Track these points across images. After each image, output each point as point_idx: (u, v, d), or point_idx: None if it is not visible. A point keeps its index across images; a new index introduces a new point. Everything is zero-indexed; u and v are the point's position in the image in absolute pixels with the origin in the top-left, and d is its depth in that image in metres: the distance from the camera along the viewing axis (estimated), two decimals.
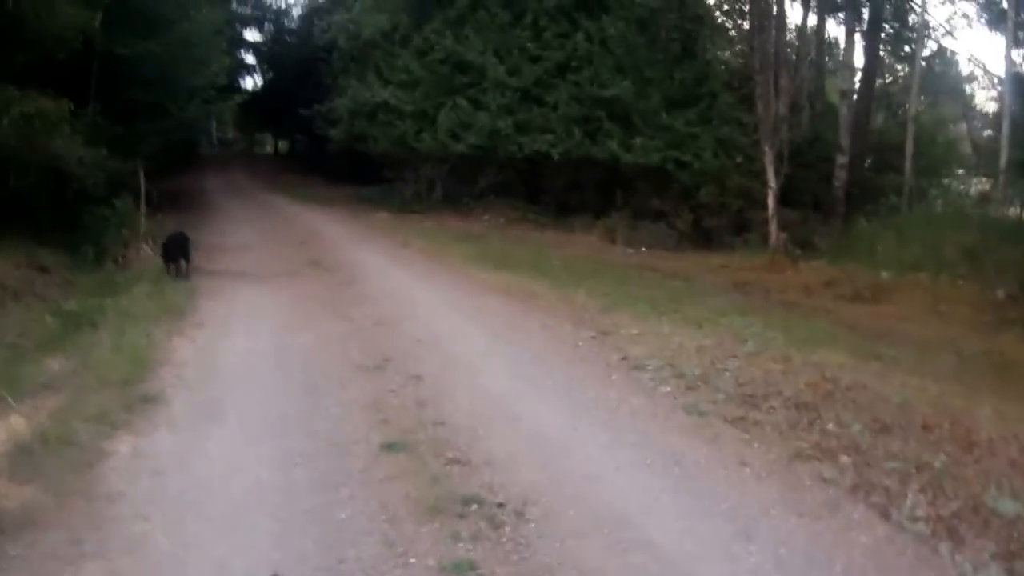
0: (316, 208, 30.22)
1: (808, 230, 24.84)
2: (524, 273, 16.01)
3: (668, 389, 8.42)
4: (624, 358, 9.66)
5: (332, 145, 33.42)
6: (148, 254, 17.41)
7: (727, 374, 8.89)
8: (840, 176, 27.08)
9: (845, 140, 27.29)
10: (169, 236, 16.33)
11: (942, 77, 42.09)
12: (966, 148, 38.90)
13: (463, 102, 27.50)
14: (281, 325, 11.60)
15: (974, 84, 40.64)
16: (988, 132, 40.52)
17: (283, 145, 64.40)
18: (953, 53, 37.34)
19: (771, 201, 21.21)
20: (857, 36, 31.57)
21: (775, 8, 28.16)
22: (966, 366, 10.54)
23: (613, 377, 8.99)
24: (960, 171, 35.62)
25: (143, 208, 19.13)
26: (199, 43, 26.11)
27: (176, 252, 15.69)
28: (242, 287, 14.80)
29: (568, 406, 7.91)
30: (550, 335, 11.05)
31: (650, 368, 9.16)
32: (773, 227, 21.05)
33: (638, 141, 25.89)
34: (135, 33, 21.45)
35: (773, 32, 27.38)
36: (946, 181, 33.19)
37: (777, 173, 21.34)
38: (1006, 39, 27.39)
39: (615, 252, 22.53)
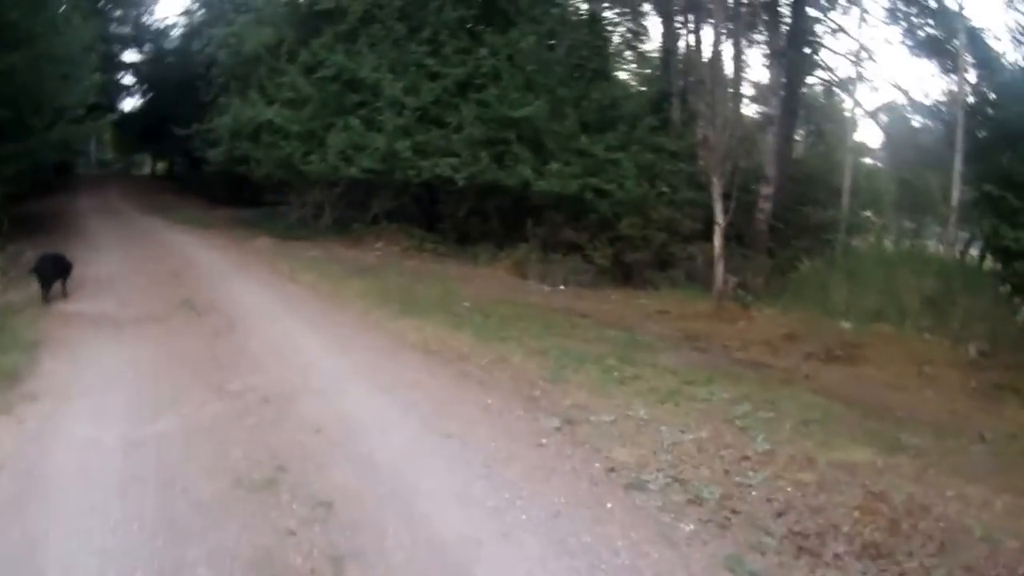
0: (193, 232, 27.65)
1: (735, 268, 22.86)
2: (437, 319, 13.77)
3: (691, 527, 6.18)
4: (612, 469, 7.31)
5: (211, 167, 30.85)
6: None
7: (753, 493, 6.86)
8: (764, 208, 25.77)
9: (771, 169, 25.74)
10: (41, 256, 15.54)
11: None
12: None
13: (355, 122, 25.18)
14: (138, 401, 9.14)
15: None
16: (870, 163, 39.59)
17: (162, 166, 62.72)
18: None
19: (718, 239, 19.09)
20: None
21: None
22: (1002, 459, 8.56)
23: (608, 505, 6.58)
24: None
25: None
26: (67, 59, 24.78)
27: (50, 273, 15.09)
28: (97, 337, 12.36)
29: (564, 565, 5.59)
30: (500, 424, 8.54)
31: (652, 487, 6.94)
32: (719, 269, 18.95)
33: (553, 166, 23.92)
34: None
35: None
36: (868, 216, 31.64)
37: (725, 208, 19.19)
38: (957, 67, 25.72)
39: (530, 289, 20.32)
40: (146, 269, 19.36)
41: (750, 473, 7.21)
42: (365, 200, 27.08)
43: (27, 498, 6.50)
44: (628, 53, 35.71)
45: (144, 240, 25.63)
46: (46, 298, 14.80)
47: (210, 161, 29.65)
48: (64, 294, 15.41)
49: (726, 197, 19.99)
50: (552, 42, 27.03)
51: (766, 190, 25.80)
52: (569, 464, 7.41)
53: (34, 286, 15.27)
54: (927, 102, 30.47)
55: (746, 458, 7.55)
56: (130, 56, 56.70)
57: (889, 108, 37.73)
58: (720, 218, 19.10)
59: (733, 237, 24.16)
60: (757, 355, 13.89)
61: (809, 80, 35.34)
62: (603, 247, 23.99)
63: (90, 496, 6.56)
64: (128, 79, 56.81)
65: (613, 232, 24.31)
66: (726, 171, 19.74)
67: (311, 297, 16.45)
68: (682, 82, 31.73)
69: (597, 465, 7.39)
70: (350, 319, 14.24)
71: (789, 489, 6.88)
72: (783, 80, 28.79)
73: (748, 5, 30.90)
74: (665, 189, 24.75)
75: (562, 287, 20.90)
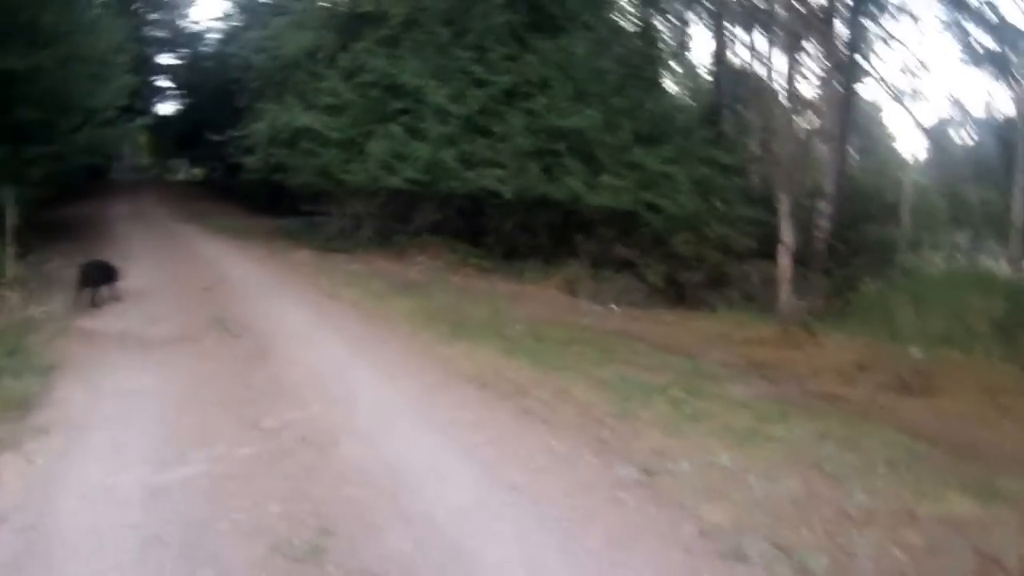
0: (229, 242, 26.75)
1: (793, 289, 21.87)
2: (489, 344, 12.59)
3: None
4: (703, 532, 6.18)
5: (248, 173, 29.45)
6: (17, 302, 14.52)
7: (862, 560, 5.82)
8: (821, 226, 24.35)
9: (829, 186, 24.58)
10: (87, 263, 15.80)
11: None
12: None
13: (397, 130, 24.07)
14: (161, 437, 8.10)
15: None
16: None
17: (198, 172, 62.67)
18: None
19: (784, 259, 17.95)
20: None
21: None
22: None
23: None
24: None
25: (10, 249, 15.82)
26: (97, 59, 24.23)
27: (96, 277, 15.35)
28: (120, 361, 11.32)
29: None
30: (571, 474, 7.38)
31: (752, 555, 5.80)
32: (785, 291, 17.82)
33: (606, 179, 22.71)
34: (22, 46, 19.89)
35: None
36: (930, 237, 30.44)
37: (793, 227, 18.08)
38: None
39: (581, 309, 19.07)
40: (178, 282, 18.54)
41: (854, 534, 6.18)
42: (407, 212, 25.95)
43: (29, 559, 5.60)
44: (675, 63, 34.43)
45: (177, 249, 24.78)
46: (93, 302, 15.05)
47: (247, 168, 28.47)
48: (119, 298, 15.64)
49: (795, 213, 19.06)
50: (603, 50, 25.84)
51: (824, 206, 24.56)
52: (655, 526, 6.30)
53: (57, 300, 14.94)
54: (984, 116, 29.47)
55: (846, 515, 6.50)
56: (165, 59, 56.67)
57: (943, 122, 36.78)
58: (787, 236, 17.94)
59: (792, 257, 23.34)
60: (829, 385, 12.73)
61: (862, 93, 34.36)
62: (656, 265, 22.98)
63: (101, 561, 5.57)
64: (163, 83, 57.05)
65: (666, 249, 23.28)
66: (793, 187, 18.61)
67: (353, 316, 15.31)
68: (733, 94, 30.78)
69: (687, 527, 6.27)
70: (396, 343, 13.02)
71: (898, 553, 5.91)
72: (839, 92, 27.70)
73: (803, 15, 29.76)
74: (720, 205, 23.67)
75: (615, 307, 19.68)
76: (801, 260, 23.14)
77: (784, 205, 18.23)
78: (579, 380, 10.47)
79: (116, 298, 15.70)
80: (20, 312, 13.91)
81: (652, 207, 22.89)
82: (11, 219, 16.34)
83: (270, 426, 8.35)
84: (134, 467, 7.20)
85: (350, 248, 24.96)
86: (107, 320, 14.02)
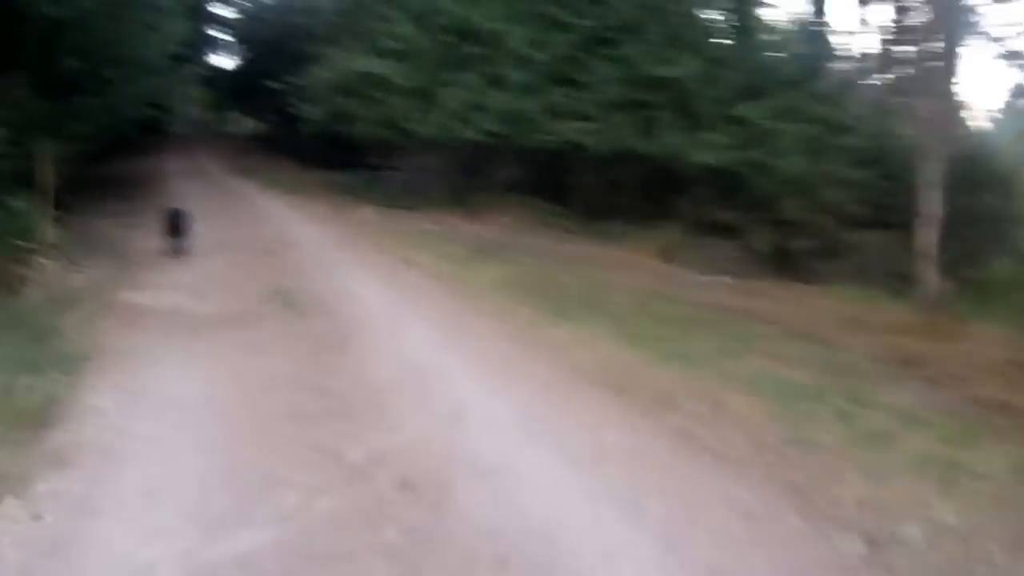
0: (288, 199, 25.22)
1: (899, 260, 19.91)
2: (600, 326, 10.61)
3: None
4: None
5: (308, 126, 27.54)
6: (55, 271, 12.63)
7: None
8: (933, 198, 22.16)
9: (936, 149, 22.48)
10: (169, 211, 15.69)
11: None
12: None
13: (473, 78, 22.16)
14: (213, 480, 5.84)
15: None
16: None
17: (256, 126, 60.77)
18: None
19: (929, 233, 15.97)
20: None
21: None
22: None
23: None
24: None
25: (47, 209, 13.96)
26: (148, 5, 22.54)
27: (179, 225, 15.32)
28: (164, 350, 9.08)
29: None
30: (779, 549, 5.22)
31: None
32: (928, 270, 15.83)
33: (709, 135, 20.57)
34: None
35: None
36: None
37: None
38: None
39: (684, 280, 17.18)
40: (234, 245, 16.73)
41: None
42: (482, 167, 24.34)
43: None
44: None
45: (234, 207, 23.15)
46: (173, 252, 15.02)
47: (307, 120, 26.59)
48: (186, 252, 15.15)
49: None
50: None
51: (933, 170, 22.42)
52: None
53: (101, 266, 13.60)
54: None
55: None
56: (221, 10, 54.58)
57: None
58: (933, 206, 15.89)
59: (900, 225, 21.39)
60: (993, 390, 10.69)
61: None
62: (762, 231, 20.96)
63: None
64: (219, 34, 55.42)
65: (771, 214, 21.33)
66: (942, 149, 16.58)
67: (436, 288, 13.26)
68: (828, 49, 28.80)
69: None
70: (492, 324, 10.84)
71: None
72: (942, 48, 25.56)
73: None
74: (832, 167, 21.40)
75: (724, 278, 17.83)
76: (907, 229, 21.50)
77: (931, 170, 16.15)
78: (724, 382, 8.56)
79: (186, 251, 15.24)
80: (58, 282, 12.07)
81: (758, 167, 20.84)
82: (50, 178, 14.45)
83: (357, 460, 6.14)
84: (177, 530, 5.07)
85: (419, 206, 23.29)
86: (155, 293, 12.10)
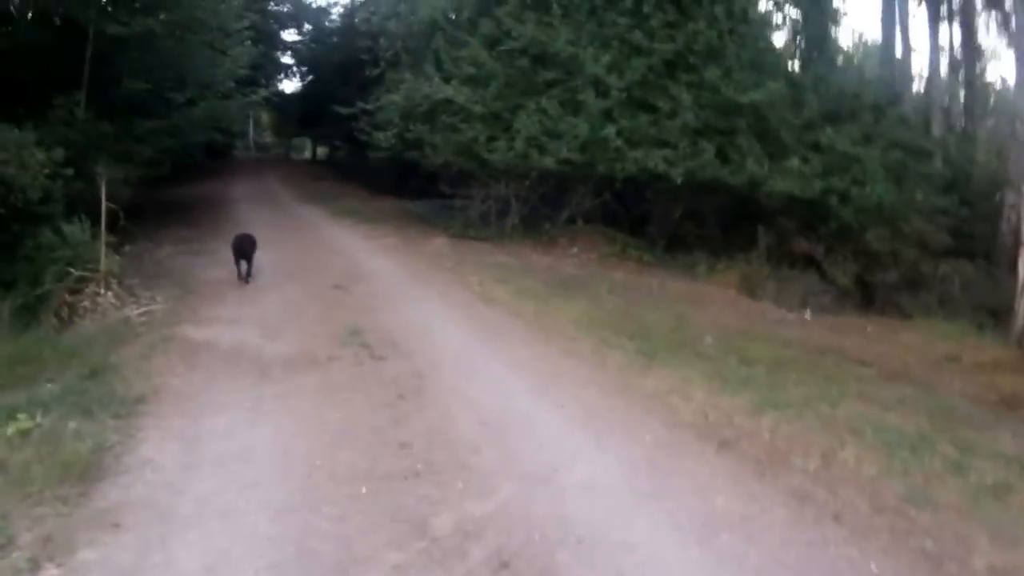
0: (357, 227, 24.54)
1: (983, 292, 19.83)
2: (691, 369, 10.00)
3: None
4: None
5: (376, 152, 26.96)
6: (110, 303, 12.34)
7: None
8: (1011, 219, 21.70)
9: (1018, 173, 21.73)
10: (236, 236, 15.69)
11: None
12: None
13: (550, 103, 21.44)
14: (278, 547, 5.32)
15: None
16: None
17: (323, 151, 62.27)
18: None
19: None
20: None
21: None
22: None
23: None
24: None
25: (103, 235, 13.63)
26: (214, 26, 22.52)
27: (243, 253, 15.36)
28: (228, 393, 8.66)
29: None
30: None
31: None
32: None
33: (793, 163, 19.86)
34: (132, 9, 18.48)
35: None
36: None
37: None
38: None
39: (771, 316, 16.37)
40: (303, 276, 16.26)
41: None
42: (558, 196, 23.56)
43: None
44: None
45: (302, 236, 22.64)
46: (241, 276, 15.21)
47: (375, 146, 26.06)
48: (247, 279, 15.20)
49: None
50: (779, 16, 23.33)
51: (1013, 198, 21.70)
52: None
53: (161, 296, 13.25)
54: None
55: None
56: (289, 36, 56.50)
57: None
58: None
59: (981, 254, 20.59)
60: None
61: None
62: (844, 263, 20.31)
63: None
64: (287, 59, 57.03)
65: (853, 245, 20.62)
66: None
67: (516, 327, 12.45)
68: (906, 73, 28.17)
69: None
70: (580, 369, 10.10)
71: None
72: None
73: None
74: (919, 195, 20.80)
75: (808, 315, 17.02)
76: (988, 258, 21.31)
77: None
78: (828, 432, 7.99)
79: (250, 275, 15.39)
80: (114, 314, 11.75)
81: (841, 195, 20.09)
82: (106, 203, 13.96)
83: (445, 530, 5.48)
84: None
85: (492, 237, 22.74)
86: (219, 327, 11.58)
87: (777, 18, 24.39)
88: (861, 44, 34.84)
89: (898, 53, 28.79)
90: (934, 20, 28.51)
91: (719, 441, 7.57)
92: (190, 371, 9.29)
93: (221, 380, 9.03)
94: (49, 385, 8.31)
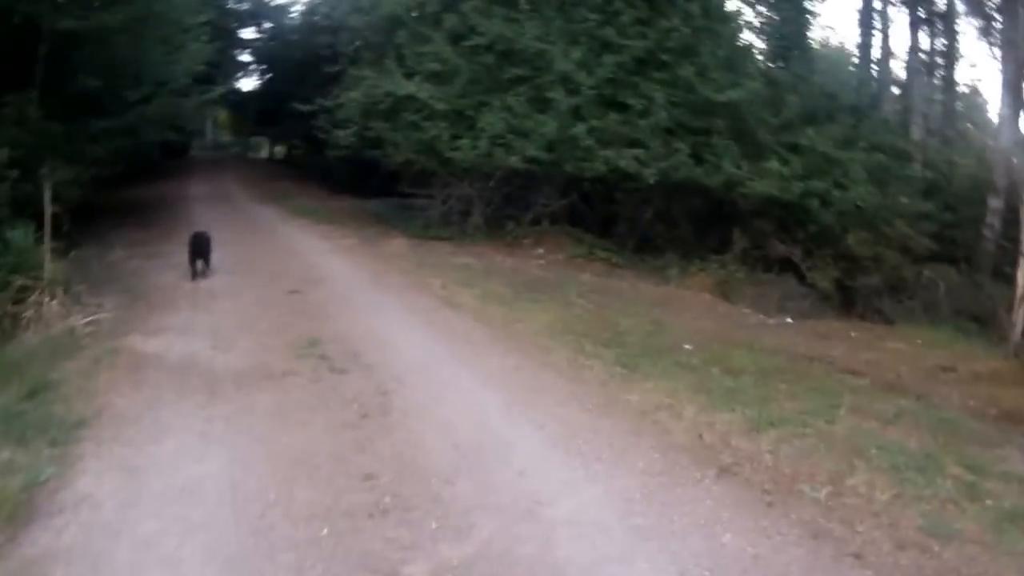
0: (315, 228, 23.75)
1: (964, 298, 19.55)
2: (676, 382, 9.40)
3: None
4: None
5: (335, 151, 26.34)
6: (54, 312, 11.39)
7: None
8: (992, 225, 21.74)
9: (1000, 179, 21.47)
10: (193, 235, 15.76)
11: None
12: None
13: (517, 101, 20.83)
14: None
15: None
16: None
17: (280, 150, 61.57)
18: None
19: None
20: None
21: None
22: None
23: None
24: None
25: (47, 241, 12.73)
26: (171, 23, 22.05)
27: (198, 251, 15.42)
28: (177, 417, 7.74)
29: None
30: None
31: None
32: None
33: (773, 164, 19.26)
34: (85, 4, 17.96)
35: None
36: None
37: None
38: None
39: (749, 322, 15.70)
40: (259, 279, 15.47)
41: None
42: (523, 196, 22.89)
43: None
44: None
45: (258, 237, 21.84)
46: (194, 275, 15.11)
47: (334, 144, 25.42)
48: (204, 275, 15.21)
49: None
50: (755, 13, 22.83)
51: (995, 203, 21.79)
52: None
53: (110, 303, 12.42)
54: None
55: None
56: (247, 34, 55.65)
57: None
58: None
59: (960, 259, 20.56)
60: None
61: None
62: (824, 267, 19.66)
63: None
64: (245, 57, 56.35)
65: (833, 248, 20.02)
66: None
67: (484, 335, 11.68)
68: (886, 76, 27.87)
69: None
70: (558, 382, 9.25)
71: None
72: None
73: None
74: (903, 198, 20.40)
75: (788, 319, 16.51)
76: (969, 263, 21.26)
77: None
78: (831, 452, 7.50)
79: (205, 274, 15.30)
80: (59, 324, 10.86)
81: (821, 198, 19.59)
82: (52, 206, 13.13)
83: None
84: None
85: (454, 237, 22.14)
86: (169, 338, 10.74)
87: (750, 16, 23.83)
88: (836, 46, 34.49)
89: (875, 55, 28.65)
90: (914, 24, 28.13)
91: (719, 467, 6.88)
92: (136, 389, 8.48)
93: (169, 399, 8.20)
94: None
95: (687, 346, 11.70)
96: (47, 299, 11.47)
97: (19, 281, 11.53)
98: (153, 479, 6.26)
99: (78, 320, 11.17)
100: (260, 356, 9.89)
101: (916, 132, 24.36)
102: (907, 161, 21.85)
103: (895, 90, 28.33)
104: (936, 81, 28.50)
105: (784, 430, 7.88)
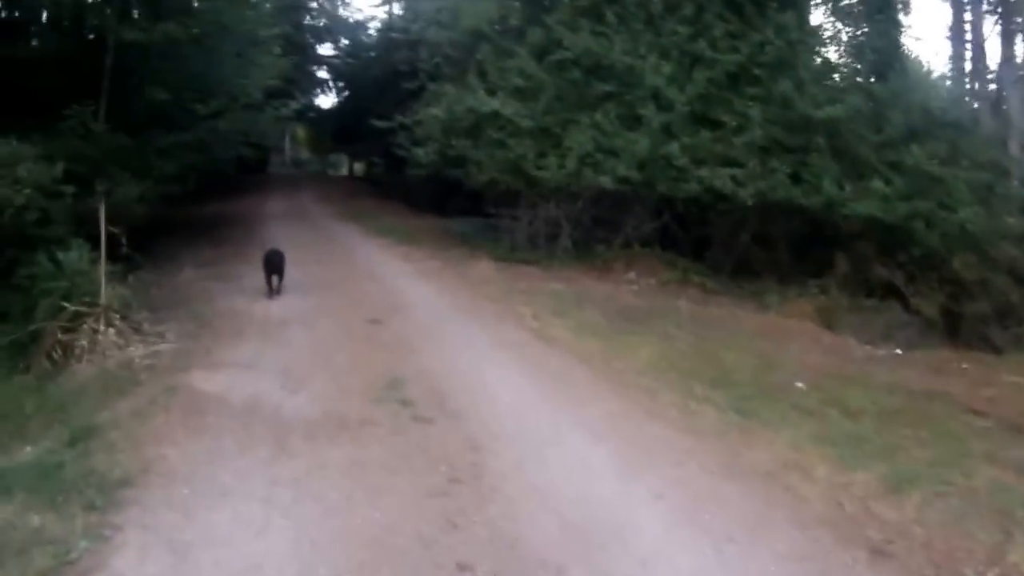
0: (395, 248, 23.22)
1: None
2: (797, 430, 8.46)
3: None
4: None
5: (415, 169, 25.91)
6: (111, 341, 10.81)
7: None
8: None
9: None
10: (267, 252, 15.84)
11: None
12: None
13: (605, 118, 19.86)
14: None
15: None
16: None
17: (359, 168, 61.18)
18: None
19: None
20: None
21: None
22: None
23: None
24: None
25: (103, 264, 12.06)
26: (242, 34, 21.90)
27: (273, 268, 15.46)
28: (235, 474, 6.91)
29: None
30: None
31: None
32: None
33: (876, 184, 18.09)
34: (154, 15, 17.85)
35: None
36: None
37: None
38: None
39: (855, 354, 14.63)
40: (335, 306, 14.72)
41: None
42: (613, 218, 21.98)
43: None
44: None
45: (336, 257, 21.24)
46: (270, 291, 15.29)
47: (415, 162, 24.77)
48: (278, 292, 15.32)
49: None
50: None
51: None
52: None
53: (174, 331, 11.89)
54: None
55: None
56: (326, 51, 56.33)
57: None
58: None
59: None
60: None
61: None
62: (929, 292, 18.45)
63: None
64: (323, 74, 56.78)
65: (939, 273, 18.73)
66: None
67: (583, 375, 10.70)
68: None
69: None
70: (670, 435, 8.34)
71: None
72: None
73: None
74: (1010, 219, 19.26)
75: (898, 351, 15.45)
76: None
77: None
78: (981, 518, 6.52)
79: (279, 291, 15.42)
80: (116, 355, 10.29)
81: (925, 219, 18.42)
82: (108, 226, 12.43)
83: None
84: None
85: (541, 260, 21.21)
86: (233, 374, 9.96)
87: (840, 30, 22.89)
88: (927, 60, 33.45)
89: (967, 68, 27.61)
90: (1006, 34, 26.98)
91: (868, 546, 5.96)
92: (192, 438, 7.65)
93: (229, 452, 7.36)
94: (28, 448, 7.01)
95: (799, 384, 10.86)
96: (102, 327, 10.90)
97: (72, 308, 10.92)
98: (204, 560, 5.42)
99: (137, 351, 10.65)
100: (334, 400, 9.06)
101: (1014, 148, 23.17)
102: (1005, 178, 20.66)
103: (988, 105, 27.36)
104: None
105: (923, 489, 6.97)
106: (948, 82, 29.09)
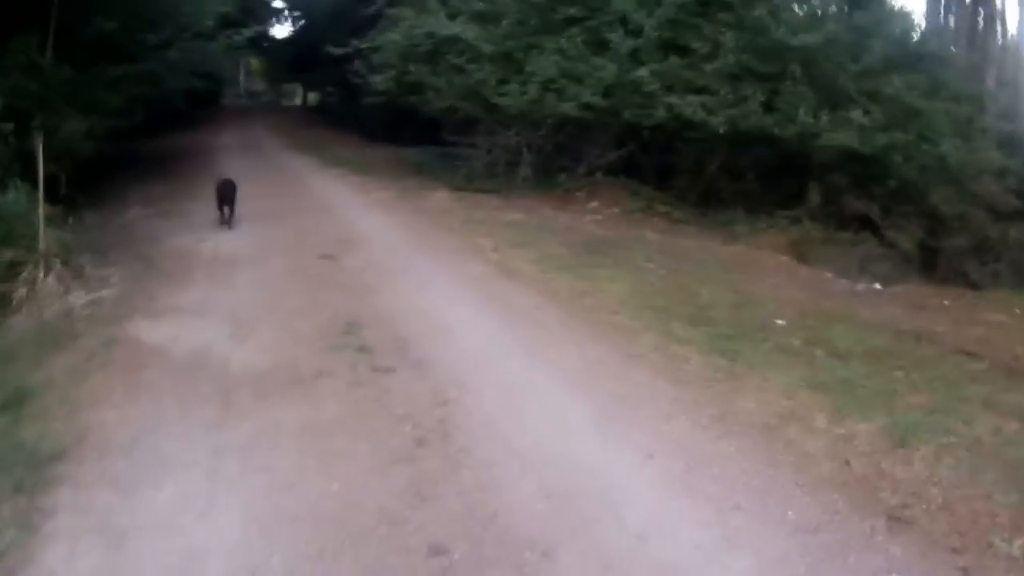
0: (349, 179, 22.93)
1: None
2: (788, 374, 7.88)
3: None
4: None
5: (370, 98, 25.54)
6: (50, 290, 10.13)
7: None
8: None
9: None
10: (219, 182, 15.80)
11: None
12: None
13: (571, 43, 19.46)
14: None
15: None
16: None
17: (313, 98, 61.11)
18: None
19: None
20: None
21: None
22: None
23: None
24: None
25: (41, 206, 11.38)
26: None
27: (224, 198, 15.44)
28: (178, 440, 6.11)
29: None
30: None
31: None
32: None
33: (856, 114, 17.47)
34: None
35: None
36: None
37: None
38: None
39: (834, 288, 14.07)
40: (287, 241, 14.12)
41: None
42: (576, 146, 21.76)
43: None
44: None
45: (289, 190, 20.78)
46: (222, 221, 15.29)
47: (371, 90, 24.66)
48: (229, 224, 15.17)
49: None
50: None
51: None
52: None
53: (118, 275, 11.14)
54: None
55: None
56: None
57: None
58: None
59: None
60: None
61: None
62: (906, 226, 18.28)
63: None
64: (278, 3, 55.80)
65: (915, 206, 18.65)
66: None
67: (554, 315, 9.95)
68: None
69: None
70: (655, 382, 7.57)
71: None
72: None
73: None
74: (992, 153, 18.84)
75: (877, 286, 14.93)
76: None
77: None
78: (994, 473, 5.95)
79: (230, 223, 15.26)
80: (55, 304, 9.57)
81: (903, 151, 17.88)
82: (42, 165, 11.69)
83: None
84: None
85: (500, 189, 21.05)
86: (177, 322, 9.24)
87: None
88: None
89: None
90: None
91: (885, 512, 5.26)
92: (131, 400, 6.84)
93: (170, 416, 6.54)
94: None
95: (780, 322, 10.36)
96: (41, 275, 10.21)
97: (9, 255, 10.21)
98: (142, 550, 4.65)
99: (78, 299, 9.91)
100: (286, 349, 8.30)
101: (990, 82, 22.76)
102: (985, 112, 20.38)
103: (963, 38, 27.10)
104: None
105: (928, 442, 6.41)
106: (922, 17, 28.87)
